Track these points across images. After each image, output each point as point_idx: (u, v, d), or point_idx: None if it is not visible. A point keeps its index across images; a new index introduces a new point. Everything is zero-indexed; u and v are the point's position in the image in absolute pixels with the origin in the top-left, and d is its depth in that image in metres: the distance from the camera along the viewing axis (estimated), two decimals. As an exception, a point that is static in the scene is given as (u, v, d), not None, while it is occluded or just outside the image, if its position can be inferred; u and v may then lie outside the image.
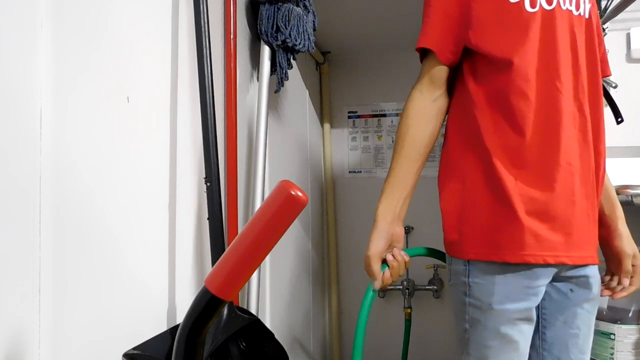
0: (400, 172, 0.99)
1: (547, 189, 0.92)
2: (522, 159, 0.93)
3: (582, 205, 0.95)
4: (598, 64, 1.01)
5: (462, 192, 0.98)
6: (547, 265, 0.93)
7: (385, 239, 0.97)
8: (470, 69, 1.00)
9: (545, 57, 0.94)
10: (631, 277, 1.07)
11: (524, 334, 0.95)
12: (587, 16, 1.00)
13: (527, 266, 0.92)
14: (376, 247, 0.97)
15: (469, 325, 0.97)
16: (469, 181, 0.97)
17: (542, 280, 0.94)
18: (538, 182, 0.93)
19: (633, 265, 1.06)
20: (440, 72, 1.01)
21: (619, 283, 1.07)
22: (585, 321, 1.00)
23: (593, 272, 1.00)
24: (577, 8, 0.99)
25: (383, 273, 0.97)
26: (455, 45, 0.99)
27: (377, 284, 0.97)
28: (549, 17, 0.96)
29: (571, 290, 0.98)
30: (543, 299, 0.99)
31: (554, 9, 0.96)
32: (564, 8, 0.97)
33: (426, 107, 1.01)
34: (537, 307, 0.99)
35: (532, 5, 0.95)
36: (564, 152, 0.93)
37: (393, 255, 0.98)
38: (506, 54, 0.94)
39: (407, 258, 1.00)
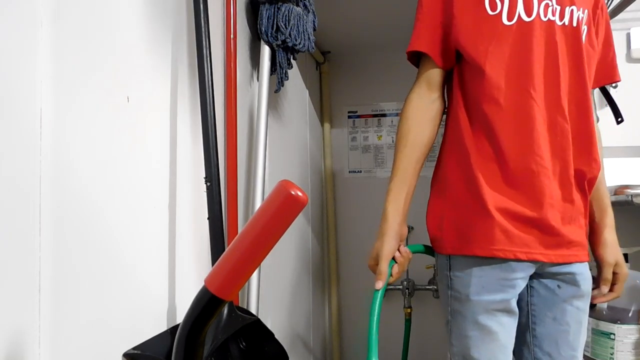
0: (404, 172, 1.02)
1: (521, 191, 0.96)
2: (496, 162, 0.97)
3: (559, 207, 0.98)
4: (585, 71, 1.01)
5: (444, 190, 1.03)
6: (521, 260, 0.95)
7: (396, 239, 1.00)
8: (458, 72, 1.04)
9: (518, 67, 0.97)
10: (613, 284, 1.08)
11: (504, 325, 0.97)
12: (574, 24, 1.01)
13: (502, 259, 0.95)
14: (389, 247, 0.99)
15: (450, 317, 1.01)
16: (449, 181, 1.02)
17: (519, 274, 0.96)
18: (512, 184, 0.96)
19: (615, 274, 1.08)
20: (436, 75, 1.05)
21: (599, 290, 1.09)
22: (575, 318, 1.01)
23: (580, 270, 1.01)
24: (562, 18, 1.00)
25: (391, 269, 1.00)
26: (445, 49, 1.03)
27: (381, 284, 0.98)
28: (526, 29, 0.98)
29: (558, 286, 1.01)
30: (532, 295, 1.02)
31: (533, 20, 0.98)
32: (545, 19, 0.99)
33: (425, 110, 1.04)
34: (527, 303, 1.03)
35: (510, 18, 0.98)
36: (537, 155, 0.96)
37: (399, 252, 1.01)
38: (480, 62, 0.98)
39: (410, 255, 1.03)
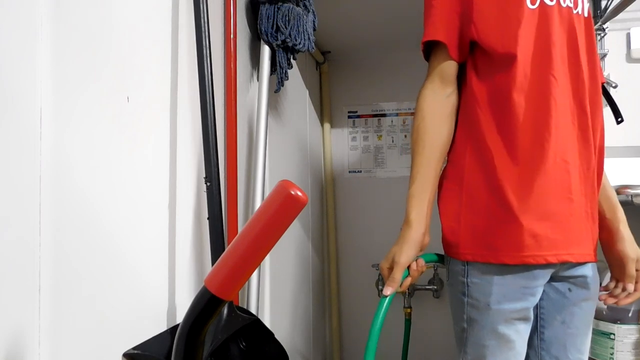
0: (425, 176, 0.96)
1: (544, 187, 0.92)
2: (521, 157, 0.92)
3: (580, 202, 0.95)
4: (597, 63, 1.00)
5: (459, 192, 0.97)
6: (547, 265, 0.92)
7: (416, 249, 0.95)
8: (472, 66, 0.99)
9: (541, 52, 0.94)
10: (636, 282, 1.02)
11: (520, 333, 0.95)
12: (585, 15, 1.00)
13: (526, 267, 0.92)
14: (407, 256, 0.93)
15: (466, 325, 0.97)
16: (467, 182, 0.97)
17: (540, 281, 0.94)
18: (536, 180, 0.92)
19: (637, 270, 1.02)
20: (450, 67, 0.99)
21: (623, 289, 1.03)
22: (584, 321, 1.00)
23: (592, 272, 0.99)
24: (575, 6, 0.98)
25: (403, 279, 0.95)
26: (461, 40, 0.97)
27: (391, 291, 0.93)
28: (548, 13, 0.95)
29: (569, 289, 0.98)
30: (541, 299, 0.99)
31: (554, 5, 0.96)
32: (564, 5, 0.97)
33: (440, 106, 0.98)
34: (535, 307, 0.99)
35: (533, 2, 0.95)
36: (559, 149, 0.92)
37: (417, 264, 0.96)
38: (510, 49, 0.93)
39: (424, 269, 0.98)
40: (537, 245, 0.91)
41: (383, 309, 0.91)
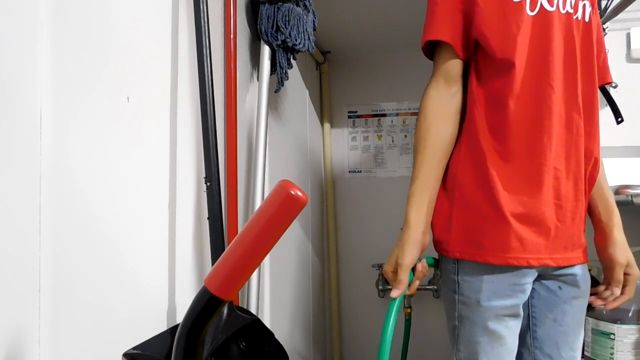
0: (425, 176, 0.96)
1: (534, 192, 0.93)
2: (512, 162, 0.94)
3: (569, 208, 0.96)
4: (595, 68, 1.00)
5: (453, 191, 0.98)
6: (532, 266, 0.94)
7: (418, 249, 0.95)
8: (474, 66, 0.99)
9: (537, 59, 0.94)
10: (624, 286, 1.04)
11: (510, 329, 0.96)
12: (586, 20, 1.00)
13: (514, 266, 0.93)
14: (410, 257, 0.93)
15: (458, 322, 0.98)
16: (460, 181, 0.97)
17: (529, 278, 0.95)
18: (526, 185, 0.93)
19: (626, 274, 1.04)
20: (455, 66, 0.98)
21: (611, 292, 1.05)
22: (575, 318, 1.01)
23: (581, 271, 1.01)
24: (575, 11, 0.98)
25: (410, 281, 0.94)
26: (466, 39, 0.97)
27: (398, 293, 0.92)
28: (546, 19, 0.95)
29: (559, 287, 1.00)
30: (532, 297, 1.01)
31: (554, 11, 0.96)
32: (563, 11, 0.97)
33: (444, 106, 0.98)
34: (527, 306, 1.01)
35: (532, 8, 0.95)
36: (551, 155, 0.94)
37: (421, 265, 0.96)
38: (509, 55, 0.93)
39: (427, 270, 0.99)
40: (522, 249, 0.92)
41: (393, 312, 0.90)
